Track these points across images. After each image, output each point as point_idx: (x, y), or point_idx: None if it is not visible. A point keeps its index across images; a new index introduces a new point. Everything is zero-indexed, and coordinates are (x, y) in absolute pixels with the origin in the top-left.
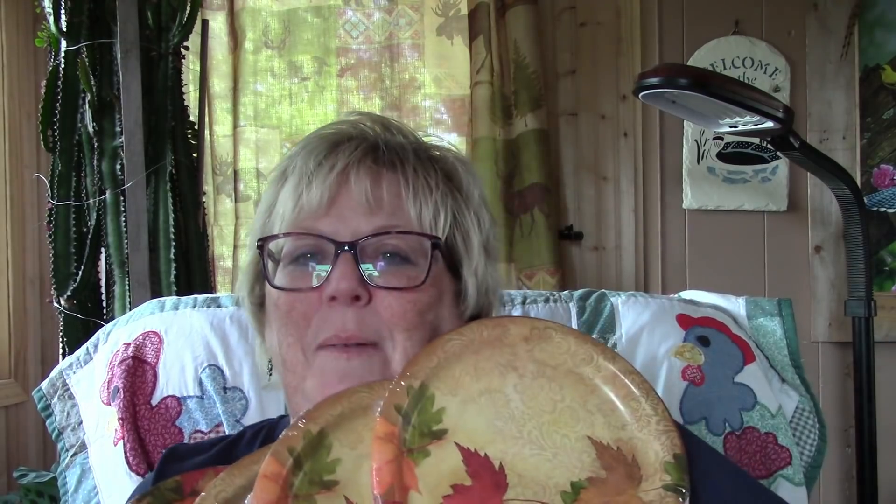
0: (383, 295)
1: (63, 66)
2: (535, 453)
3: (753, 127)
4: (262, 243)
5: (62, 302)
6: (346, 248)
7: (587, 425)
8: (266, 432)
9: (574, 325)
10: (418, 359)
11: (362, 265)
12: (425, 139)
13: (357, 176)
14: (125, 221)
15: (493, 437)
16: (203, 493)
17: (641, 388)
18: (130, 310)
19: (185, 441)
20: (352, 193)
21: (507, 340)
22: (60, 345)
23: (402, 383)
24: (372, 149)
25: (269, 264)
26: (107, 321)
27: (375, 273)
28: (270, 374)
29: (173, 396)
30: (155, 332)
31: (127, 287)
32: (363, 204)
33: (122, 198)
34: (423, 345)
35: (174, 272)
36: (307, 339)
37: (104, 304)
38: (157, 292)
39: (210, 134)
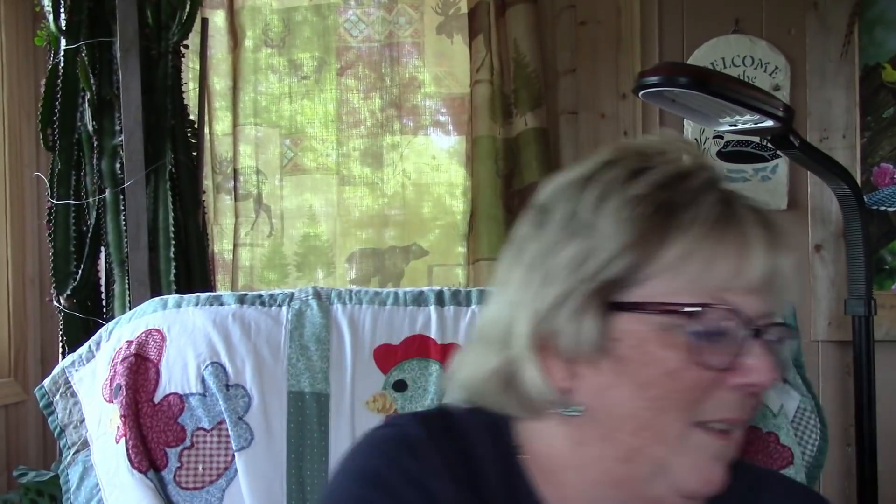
0: None
1: (62, 64)
2: None
3: (753, 126)
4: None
5: (62, 301)
6: (764, 333)
7: None
8: (503, 459)
9: None
10: None
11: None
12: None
13: (782, 252)
14: (125, 220)
15: None
16: None
17: None
18: (130, 309)
19: (188, 438)
20: (778, 275)
21: None
22: (60, 344)
23: None
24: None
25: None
26: (107, 320)
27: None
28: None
29: (175, 394)
30: (157, 330)
31: (127, 286)
32: (773, 285)
33: (121, 196)
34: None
35: (174, 271)
36: (694, 415)
37: (104, 302)
38: (156, 291)
39: (210, 132)
